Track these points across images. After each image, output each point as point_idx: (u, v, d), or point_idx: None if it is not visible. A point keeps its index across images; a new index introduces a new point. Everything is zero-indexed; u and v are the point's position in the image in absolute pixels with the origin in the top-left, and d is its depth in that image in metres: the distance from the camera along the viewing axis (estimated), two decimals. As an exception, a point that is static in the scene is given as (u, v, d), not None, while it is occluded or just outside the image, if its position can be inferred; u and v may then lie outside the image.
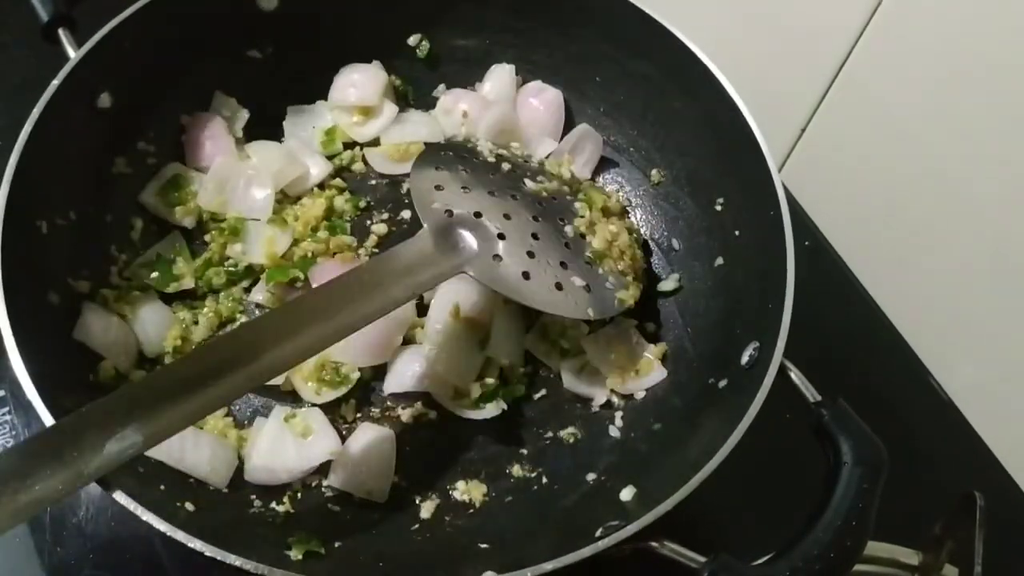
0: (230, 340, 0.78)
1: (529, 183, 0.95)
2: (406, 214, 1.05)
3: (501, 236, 0.88)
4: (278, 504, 0.85)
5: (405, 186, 1.07)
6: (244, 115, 1.05)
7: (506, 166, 0.97)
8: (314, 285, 0.94)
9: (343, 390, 0.92)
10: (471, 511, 0.88)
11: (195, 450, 0.83)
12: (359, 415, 0.93)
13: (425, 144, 1.06)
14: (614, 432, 0.93)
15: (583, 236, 0.93)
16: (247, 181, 0.99)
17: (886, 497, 0.72)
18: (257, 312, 0.97)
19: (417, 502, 0.88)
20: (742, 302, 0.91)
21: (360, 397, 0.93)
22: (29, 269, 0.80)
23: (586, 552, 0.70)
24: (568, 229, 0.93)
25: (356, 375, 0.92)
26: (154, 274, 0.95)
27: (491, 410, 0.92)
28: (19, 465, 0.67)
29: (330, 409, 0.91)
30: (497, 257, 0.87)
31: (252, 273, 0.98)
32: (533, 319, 0.97)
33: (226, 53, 1.03)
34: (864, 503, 0.71)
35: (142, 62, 0.95)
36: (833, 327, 1.13)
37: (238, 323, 0.96)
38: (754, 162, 0.88)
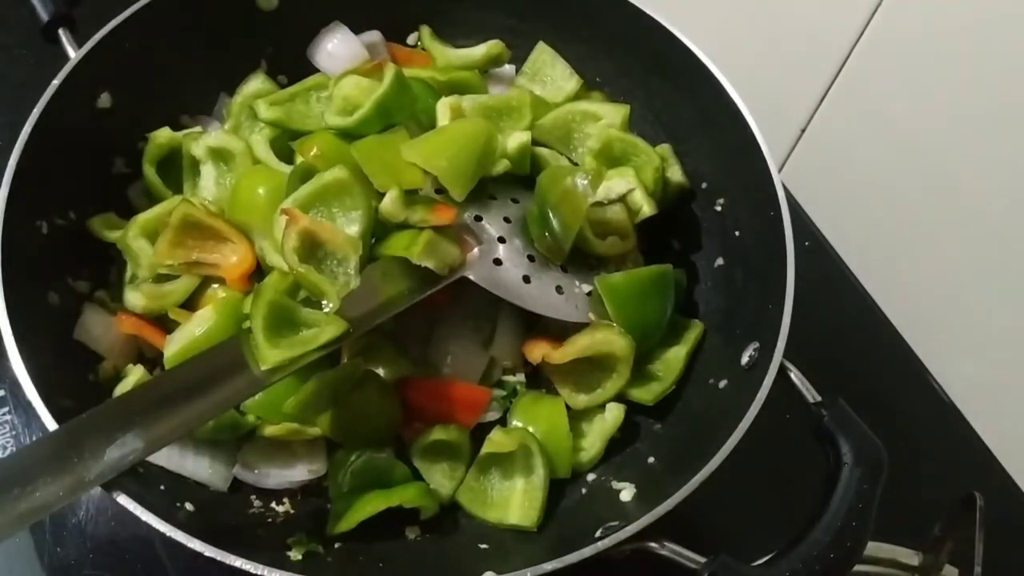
0: (230, 346, 0.78)
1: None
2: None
3: (501, 240, 0.88)
4: (278, 504, 0.85)
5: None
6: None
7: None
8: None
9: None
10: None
11: (196, 455, 0.83)
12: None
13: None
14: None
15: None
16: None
17: (886, 497, 0.72)
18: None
19: (417, 502, 0.88)
20: (742, 302, 0.91)
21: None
22: (29, 269, 0.80)
23: (586, 552, 0.70)
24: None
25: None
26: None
27: (493, 413, 0.92)
28: (20, 471, 0.67)
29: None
30: (497, 261, 0.87)
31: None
32: (535, 319, 0.97)
33: (226, 53, 1.02)
34: (864, 503, 0.71)
35: (142, 62, 0.95)
36: (833, 327, 1.14)
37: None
38: (754, 162, 0.88)
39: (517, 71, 1.09)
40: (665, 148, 0.99)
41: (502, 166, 0.90)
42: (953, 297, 1.10)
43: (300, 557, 0.76)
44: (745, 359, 0.84)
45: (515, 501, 0.84)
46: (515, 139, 0.92)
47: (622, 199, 0.93)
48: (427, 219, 0.83)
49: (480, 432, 0.88)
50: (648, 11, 0.97)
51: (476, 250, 0.86)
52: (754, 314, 0.86)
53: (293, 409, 0.80)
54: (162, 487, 0.79)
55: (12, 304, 0.76)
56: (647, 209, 0.92)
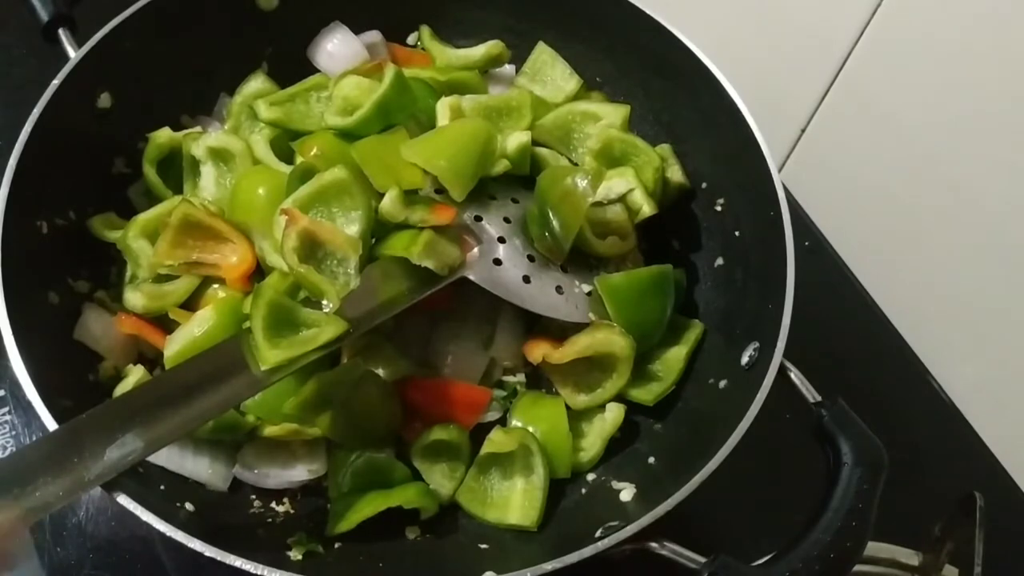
0: (230, 346, 0.78)
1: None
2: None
3: (501, 240, 0.88)
4: (278, 504, 0.86)
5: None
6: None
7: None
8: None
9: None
10: (471, 511, 0.88)
11: (196, 455, 0.83)
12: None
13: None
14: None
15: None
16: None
17: (886, 497, 0.72)
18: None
19: (417, 502, 0.88)
20: (742, 302, 0.91)
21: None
22: (29, 269, 0.80)
23: (586, 552, 0.70)
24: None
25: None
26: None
27: (493, 413, 0.92)
28: (20, 471, 0.67)
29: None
30: (497, 261, 0.87)
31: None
32: (535, 319, 0.97)
33: (226, 53, 1.02)
34: (864, 503, 0.71)
35: (142, 62, 0.95)
36: (833, 327, 1.14)
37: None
38: (754, 162, 0.88)
39: (517, 71, 1.09)
40: (665, 148, 0.99)
41: (502, 166, 0.90)
42: (953, 297, 1.10)
43: (300, 557, 0.77)
44: (745, 359, 0.84)
45: (515, 501, 0.84)
46: (515, 139, 0.92)
47: (622, 199, 0.93)
48: (427, 219, 0.83)
49: (480, 432, 0.88)
50: (648, 11, 0.97)
51: (476, 250, 0.86)
52: (754, 314, 0.86)
53: (293, 409, 0.80)
54: (162, 487, 0.79)
55: (12, 304, 0.76)
56: (647, 209, 0.92)
